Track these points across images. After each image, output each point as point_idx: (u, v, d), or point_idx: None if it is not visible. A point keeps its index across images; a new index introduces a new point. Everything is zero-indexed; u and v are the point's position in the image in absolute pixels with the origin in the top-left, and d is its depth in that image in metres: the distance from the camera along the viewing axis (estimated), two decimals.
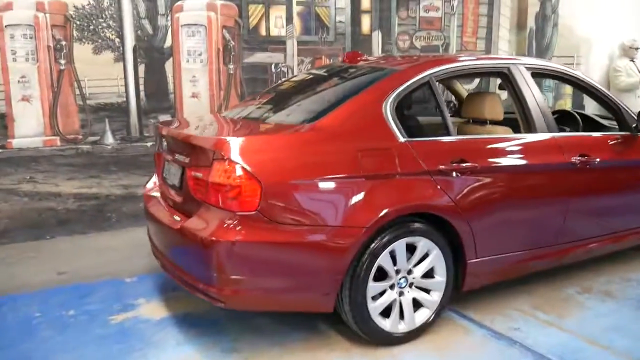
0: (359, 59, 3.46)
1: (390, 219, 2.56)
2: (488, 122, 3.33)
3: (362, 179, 2.51)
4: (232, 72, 5.11)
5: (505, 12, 6.57)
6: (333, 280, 2.51)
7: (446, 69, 2.94)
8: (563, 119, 3.89)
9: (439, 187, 2.69)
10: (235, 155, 2.37)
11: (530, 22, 6.78)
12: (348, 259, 2.49)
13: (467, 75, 3.59)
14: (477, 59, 3.31)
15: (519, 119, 3.19)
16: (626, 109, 3.57)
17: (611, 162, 3.38)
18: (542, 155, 3.09)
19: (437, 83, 2.88)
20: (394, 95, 2.71)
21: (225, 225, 2.38)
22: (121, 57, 4.69)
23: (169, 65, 4.88)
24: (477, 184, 2.81)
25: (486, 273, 2.99)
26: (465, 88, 5.32)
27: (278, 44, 5.33)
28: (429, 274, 2.79)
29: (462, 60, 3.09)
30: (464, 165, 2.75)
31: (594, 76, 7.40)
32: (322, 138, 2.53)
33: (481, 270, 2.95)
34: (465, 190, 2.77)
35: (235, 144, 2.41)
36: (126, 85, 4.74)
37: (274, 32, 5.31)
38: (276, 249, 2.42)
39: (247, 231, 2.36)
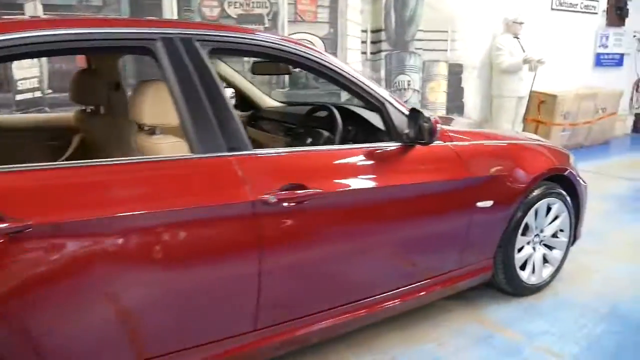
0: None
1: None
2: (156, 130, 2.06)
3: None
4: None
5: None
6: None
7: None
8: (324, 120, 2.64)
9: None
10: None
11: None
12: None
13: (52, 52, 2.11)
14: (84, 23, 1.92)
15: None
16: (395, 105, 2.33)
17: (351, 194, 2.12)
18: (195, 194, 1.80)
19: None
20: None
21: None
22: None
23: None
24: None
25: None
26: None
27: (9, 7, 3.89)
28: None
29: (18, 29, 1.70)
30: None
31: (473, 56, 6.25)
32: None
33: None
34: None
35: None
36: None
37: None
38: None
39: None
